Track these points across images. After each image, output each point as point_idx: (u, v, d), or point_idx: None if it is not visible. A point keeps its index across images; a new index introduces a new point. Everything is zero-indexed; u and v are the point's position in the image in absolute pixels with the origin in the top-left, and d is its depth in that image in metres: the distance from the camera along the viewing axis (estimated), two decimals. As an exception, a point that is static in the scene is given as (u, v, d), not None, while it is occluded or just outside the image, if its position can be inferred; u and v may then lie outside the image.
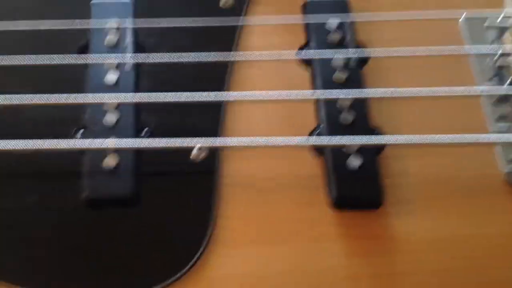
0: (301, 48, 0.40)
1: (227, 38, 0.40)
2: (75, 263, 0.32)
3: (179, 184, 0.34)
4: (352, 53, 0.38)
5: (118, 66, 0.37)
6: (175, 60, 0.37)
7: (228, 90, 0.38)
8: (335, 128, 0.36)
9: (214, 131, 0.36)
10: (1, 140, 0.33)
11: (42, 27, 0.38)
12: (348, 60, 0.38)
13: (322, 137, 0.35)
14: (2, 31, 0.38)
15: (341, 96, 0.36)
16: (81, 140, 0.34)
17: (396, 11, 0.41)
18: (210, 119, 0.37)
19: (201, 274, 0.32)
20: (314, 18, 0.40)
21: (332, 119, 0.36)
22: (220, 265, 0.32)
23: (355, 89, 0.37)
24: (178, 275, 0.32)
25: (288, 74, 0.39)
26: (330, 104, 0.37)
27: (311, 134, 0.37)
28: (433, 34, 0.41)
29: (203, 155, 0.34)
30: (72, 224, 0.33)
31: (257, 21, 0.41)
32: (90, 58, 0.37)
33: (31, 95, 0.34)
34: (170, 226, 0.33)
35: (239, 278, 0.32)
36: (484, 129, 0.37)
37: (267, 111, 0.37)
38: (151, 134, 0.36)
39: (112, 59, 0.37)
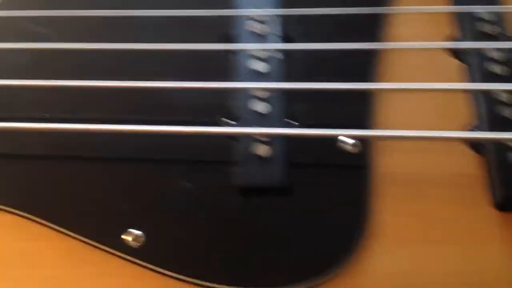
0: (451, 39, 0.38)
1: (372, 28, 0.39)
2: (224, 250, 0.32)
3: (330, 175, 0.34)
4: (506, 44, 0.37)
5: (266, 55, 0.37)
6: (323, 48, 0.36)
7: (376, 80, 0.37)
8: (495, 122, 0.34)
9: (364, 122, 0.35)
10: (154, 126, 0.33)
11: (189, 14, 0.38)
12: (504, 51, 0.36)
13: (483, 132, 0.33)
14: (154, 18, 0.39)
15: (501, 88, 0.34)
16: (237, 127, 0.34)
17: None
18: (359, 109, 0.35)
19: (356, 271, 0.31)
20: (464, 8, 0.39)
21: (491, 113, 0.34)
22: (376, 263, 0.31)
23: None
24: (333, 271, 0.31)
25: (437, 65, 0.37)
26: (489, 97, 0.35)
27: (467, 128, 0.35)
28: None
29: (356, 149, 0.34)
30: (224, 211, 0.33)
31: (403, 10, 0.39)
32: (240, 46, 0.37)
33: (183, 82, 0.34)
34: (322, 219, 0.32)
35: (395, 277, 0.31)
36: None
37: (418, 103, 0.36)
38: (301, 124, 0.35)
39: (261, 47, 0.37)
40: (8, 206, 0.33)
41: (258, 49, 0.37)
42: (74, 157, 0.34)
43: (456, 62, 0.37)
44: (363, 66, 0.37)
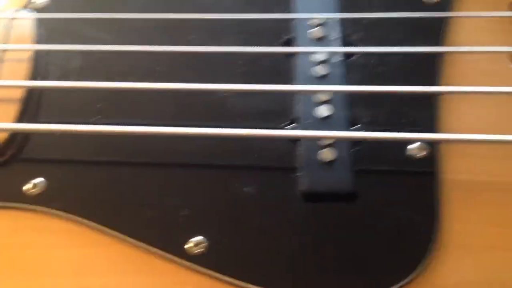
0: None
1: (434, 34, 0.38)
2: (288, 257, 0.31)
3: (397, 181, 0.33)
4: None
5: (326, 59, 0.36)
6: (384, 51, 0.35)
7: (439, 84, 0.36)
8: None
9: (429, 126, 0.34)
10: (214, 128, 0.33)
11: (248, 18, 0.38)
12: None
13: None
14: (212, 21, 0.38)
15: None
16: (300, 131, 0.34)
17: None
18: (425, 114, 0.34)
19: (429, 280, 0.30)
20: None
21: None
22: (450, 271, 0.30)
23: None
24: (401, 281, 0.29)
25: (501, 70, 0.37)
26: None
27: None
28: None
29: (423, 153, 0.33)
30: (288, 217, 0.32)
31: (465, 16, 0.39)
32: (300, 50, 0.37)
33: (244, 85, 0.34)
34: (390, 225, 0.31)
35: (471, 285, 0.30)
36: None
37: (483, 107, 0.35)
38: (365, 129, 0.34)
39: (321, 51, 0.36)
40: (67, 211, 0.32)
41: (319, 53, 0.36)
42: (134, 162, 0.34)
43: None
44: (426, 69, 0.36)
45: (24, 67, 0.35)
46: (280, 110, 0.35)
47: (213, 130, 0.32)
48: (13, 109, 0.33)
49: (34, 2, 0.39)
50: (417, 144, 0.33)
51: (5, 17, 0.36)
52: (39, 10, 0.38)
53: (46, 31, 0.37)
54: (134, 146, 0.34)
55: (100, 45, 0.35)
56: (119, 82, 0.34)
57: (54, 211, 0.32)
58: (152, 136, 0.33)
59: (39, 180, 0.32)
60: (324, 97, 0.35)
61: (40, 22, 0.37)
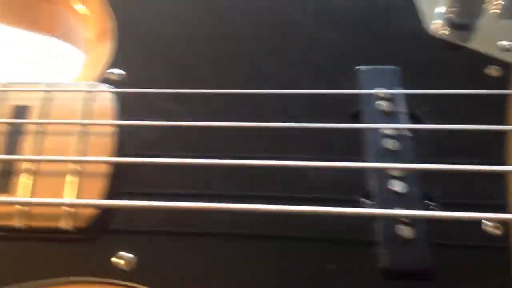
0: None
1: (498, 107, 0.39)
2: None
3: (474, 257, 0.34)
4: None
5: (396, 133, 0.38)
6: (454, 128, 0.37)
7: (507, 160, 0.37)
8: None
9: (501, 202, 0.35)
10: (294, 206, 0.33)
11: (317, 93, 0.39)
12: None
13: None
14: (282, 96, 0.39)
15: None
16: (375, 209, 0.34)
17: None
18: (497, 188, 0.36)
19: None
20: None
21: None
22: None
23: None
24: None
25: None
26: None
27: None
28: None
29: (498, 231, 0.34)
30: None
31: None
32: (368, 125, 0.38)
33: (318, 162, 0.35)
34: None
35: None
36: None
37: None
38: (439, 204, 0.35)
39: (388, 126, 0.37)
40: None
41: (388, 128, 0.38)
42: (214, 234, 0.35)
43: None
44: (494, 146, 0.37)
45: (109, 141, 0.36)
46: (352, 182, 0.36)
47: (289, 207, 0.33)
48: (101, 184, 0.34)
49: (110, 74, 0.40)
50: (494, 225, 0.34)
51: (84, 90, 0.38)
52: (116, 82, 0.39)
53: (124, 103, 0.38)
54: (210, 219, 0.35)
55: (179, 122, 0.36)
56: (200, 155, 0.35)
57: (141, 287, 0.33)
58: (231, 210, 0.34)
59: (127, 254, 0.33)
60: (397, 172, 0.36)
61: (118, 95, 0.38)
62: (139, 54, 0.42)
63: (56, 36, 0.48)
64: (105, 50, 0.42)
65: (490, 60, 0.42)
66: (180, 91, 0.38)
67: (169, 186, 0.36)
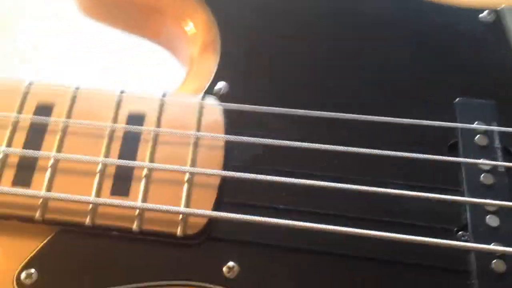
0: None
1: None
2: None
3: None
4: None
5: (492, 168, 0.39)
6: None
7: None
8: None
9: None
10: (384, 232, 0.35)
11: (414, 123, 0.40)
12: None
13: None
14: (379, 124, 0.41)
15: None
16: (469, 244, 0.36)
17: None
18: None
19: None
20: None
21: None
22: None
23: None
24: None
25: None
26: None
27: None
28: None
29: None
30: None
31: None
32: (466, 160, 0.39)
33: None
34: None
35: None
36: None
37: None
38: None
39: (486, 162, 0.39)
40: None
41: (485, 163, 0.39)
42: (317, 251, 0.36)
43: None
44: None
45: (218, 155, 0.38)
46: (448, 213, 0.37)
47: (389, 234, 0.35)
48: (211, 195, 0.36)
49: (213, 89, 0.41)
50: None
51: (196, 103, 0.40)
52: (221, 97, 0.41)
53: (231, 118, 0.40)
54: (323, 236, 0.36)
55: (285, 141, 0.38)
56: (301, 175, 0.37)
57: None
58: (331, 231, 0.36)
59: (232, 264, 0.35)
60: (492, 208, 0.37)
61: (226, 110, 0.40)
62: (242, 66, 0.44)
63: (159, 43, 0.50)
64: (209, 62, 0.44)
65: None
66: (283, 111, 0.40)
67: (271, 200, 0.37)
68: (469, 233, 0.37)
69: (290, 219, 0.36)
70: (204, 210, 0.35)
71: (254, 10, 0.48)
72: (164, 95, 0.41)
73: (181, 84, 0.44)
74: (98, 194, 0.36)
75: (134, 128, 0.38)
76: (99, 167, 0.37)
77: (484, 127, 0.40)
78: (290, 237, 0.37)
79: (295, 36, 0.46)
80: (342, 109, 0.41)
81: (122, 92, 0.41)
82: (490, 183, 0.38)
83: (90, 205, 0.36)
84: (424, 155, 0.38)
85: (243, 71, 0.44)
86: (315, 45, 0.46)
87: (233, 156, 0.39)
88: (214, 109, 0.40)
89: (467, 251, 0.36)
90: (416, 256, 0.36)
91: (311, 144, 0.39)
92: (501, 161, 0.39)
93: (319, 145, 0.39)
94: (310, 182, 0.37)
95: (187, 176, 0.37)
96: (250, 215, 0.36)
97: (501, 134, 0.41)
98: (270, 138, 0.39)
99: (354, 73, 0.45)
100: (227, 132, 0.40)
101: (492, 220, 0.37)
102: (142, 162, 0.37)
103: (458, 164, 0.40)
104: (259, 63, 0.45)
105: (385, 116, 0.41)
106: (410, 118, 0.41)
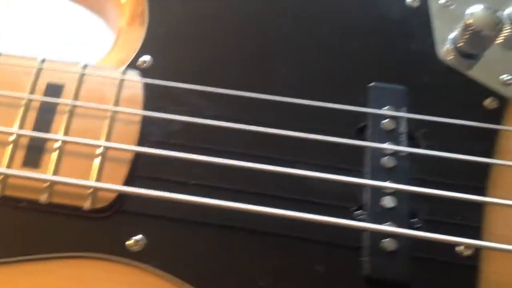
0: None
1: (488, 138, 0.42)
2: None
3: (446, 274, 0.38)
4: None
5: (394, 152, 0.41)
6: (443, 156, 0.40)
7: (488, 189, 0.41)
8: None
9: (477, 229, 0.39)
10: (290, 211, 0.37)
11: (328, 106, 0.42)
12: None
13: None
14: (291, 109, 0.42)
15: None
16: (363, 223, 0.38)
17: None
18: (474, 214, 0.40)
19: None
20: None
21: None
22: None
23: None
24: None
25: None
26: None
27: None
28: None
29: (468, 252, 0.39)
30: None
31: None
32: (369, 144, 0.41)
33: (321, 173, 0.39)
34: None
35: None
36: None
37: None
38: (423, 221, 0.39)
39: (385, 146, 0.41)
40: (164, 270, 0.36)
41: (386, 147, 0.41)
42: (218, 225, 0.38)
43: None
44: (478, 175, 0.41)
45: (134, 129, 0.39)
46: (348, 193, 0.40)
47: (289, 212, 0.37)
48: (123, 170, 0.38)
49: (137, 62, 0.42)
50: (464, 247, 0.38)
51: (115, 77, 0.40)
52: (144, 70, 0.42)
53: (151, 92, 0.41)
54: (216, 213, 0.38)
55: (204, 119, 0.40)
56: (216, 152, 0.39)
57: (152, 268, 0.36)
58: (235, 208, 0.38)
59: (140, 237, 0.37)
60: (389, 190, 0.40)
61: (147, 85, 0.41)
62: (168, 41, 0.45)
63: (94, 11, 0.50)
64: (135, 34, 0.45)
65: (490, 92, 0.45)
66: (205, 89, 0.41)
67: (183, 175, 0.39)
68: (366, 213, 0.40)
69: (201, 195, 0.38)
70: (113, 185, 0.37)
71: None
72: (85, 67, 0.41)
73: (106, 54, 0.45)
74: (9, 165, 0.37)
75: (50, 99, 0.39)
76: (13, 137, 0.38)
77: (390, 113, 0.42)
78: (198, 212, 0.38)
79: (222, 15, 0.47)
80: (262, 90, 0.43)
81: (43, 61, 0.41)
82: (391, 166, 0.41)
83: (1, 176, 0.37)
84: (329, 137, 0.40)
85: (169, 46, 0.45)
86: (240, 26, 0.47)
87: (150, 131, 0.40)
88: (135, 83, 0.41)
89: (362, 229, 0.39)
90: (315, 232, 0.39)
91: (222, 122, 0.40)
92: (404, 146, 0.42)
93: (230, 123, 0.40)
94: (216, 160, 0.38)
95: (100, 149, 0.38)
96: (162, 189, 0.38)
97: (409, 119, 0.43)
98: (189, 115, 0.41)
99: (277, 55, 0.46)
100: (146, 107, 0.41)
101: (388, 201, 0.40)
102: (55, 134, 0.38)
103: (364, 147, 0.42)
104: (185, 39, 0.45)
105: (301, 97, 0.43)
106: (327, 100, 0.43)
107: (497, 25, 0.44)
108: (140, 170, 0.39)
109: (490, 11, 0.44)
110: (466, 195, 0.38)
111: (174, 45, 0.45)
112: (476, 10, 0.45)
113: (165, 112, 0.41)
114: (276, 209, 0.37)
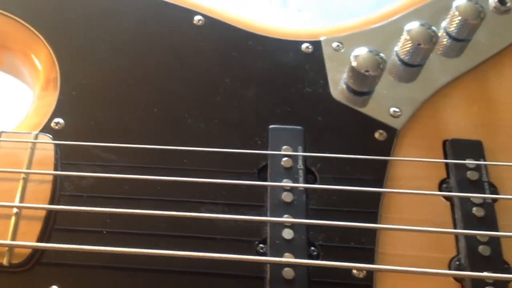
0: (442, 181, 0.47)
1: (379, 168, 0.47)
2: None
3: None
4: (487, 192, 0.45)
5: (293, 188, 0.45)
6: (336, 188, 0.44)
7: (380, 215, 0.45)
8: (473, 259, 0.43)
9: (371, 251, 0.43)
10: (200, 253, 0.40)
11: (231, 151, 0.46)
12: (484, 198, 0.45)
13: (463, 272, 0.42)
14: (196, 155, 0.46)
15: (477, 233, 0.43)
16: (262, 257, 0.42)
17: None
18: (367, 239, 0.44)
19: None
20: (453, 157, 0.47)
21: (470, 250, 0.43)
22: None
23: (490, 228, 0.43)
24: None
25: (431, 202, 0.46)
26: (469, 237, 0.43)
27: (451, 260, 0.43)
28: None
29: (363, 274, 0.42)
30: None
31: (402, 156, 0.48)
32: (269, 183, 0.45)
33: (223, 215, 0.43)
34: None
35: None
36: None
37: (414, 236, 0.44)
38: (320, 249, 0.43)
39: (286, 183, 0.45)
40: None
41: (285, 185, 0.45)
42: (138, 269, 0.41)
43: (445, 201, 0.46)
44: (371, 202, 0.45)
45: (46, 188, 0.43)
46: (252, 228, 0.44)
47: (199, 253, 0.40)
48: (37, 226, 0.41)
49: (50, 124, 0.46)
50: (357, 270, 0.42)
51: (29, 141, 0.44)
52: (57, 132, 0.46)
53: (64, 151, 0.45)
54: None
55: (112, 174, 0.43)
56: (126, 200, 0.43)
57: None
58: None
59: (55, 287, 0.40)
60: (288, 222, 0.44)
61: (58, 146, 0.45)
62: (78, 103, 0.49)
63: (11, 74, 0.54)
64: (50, 99, 0.49)
65: (380, 125, 0.49)
66: (113, 145, 0.45)
67: (98, 225, 0.43)
68: (267, 245, 0.43)
69: (116, 243, 0.41)
70: (27, 242, 0.40)
71: (93, 47, 0.52)
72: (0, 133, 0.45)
73: (23, 119, 0.49)
74: None
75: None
76: None
77: (286, 153, 0.47)
78: (111, 259, 0.42)
79: (127, 77, 0.51)
80: (171, 140, 0.47)
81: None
82: (289, 201, 0.45)
83: None
84: (230, 180, 0.44)
85: (79, 108, 0.49)
86: (145, 84, 0.50)
87: (62, 188, 0.44)
88: (46, 145, 0.45)
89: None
90: (223, 266, 0.42)
91: (135, 176, 0.44)
92: (301, 181, 0.46)
93: (143, 176, 0.44)
94: (124, 210, 0.41)
95: (14, 209, 0.42)
96: (79, 240, 0.41)
97: (305, 156, 0.47)
98: (100, 169, 0.45)
99: (181, 108, 0.49)
100: (57, 166, 0.45)
101: (287, 233, 0.43)
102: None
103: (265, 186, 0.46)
104: (94, 101, 0.49)
105: (208, 144, 0.47)
106: (231, 145, 0.47)
107: (379, 65, 0.49)
108: (57, 223, 0.42)
109: (372, 53, 0.50)
110: (355, 223, 0.42)
111: (84, 107, 0.49)
112: (360, 52, 0.50)
113: (78, 168, 0.45)
114: (184, 251, 0.40)
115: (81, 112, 0.48)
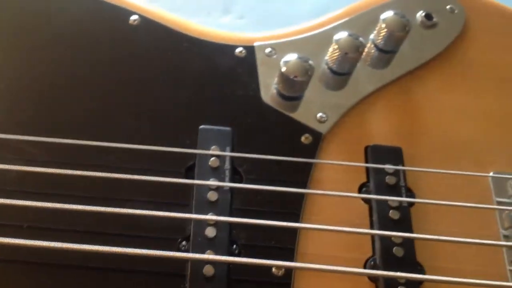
0: (362, 185, 0.49)
1: (304, 170, 0.48)
2: None
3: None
4: (403, 196, 0.48)
5: (218, 187, 0.46)
6: (259, 188, 0.46)
7: (302, 216, 0.47)
8: (387, 259, 0.45)
9: (291, 250, 0.45)
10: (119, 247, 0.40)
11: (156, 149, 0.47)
12: (400, 202, 0.47)
13: (376, 271, 0.44)
14: (125, 152, 0.47)
15: (392, 234, 0.45)
16: (185, 253, 0.43)
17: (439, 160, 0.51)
18: (287, 239, 0.45)
19: None
20: (373, 162, 0.49)
21: (385, 251, 0.45)
22: None
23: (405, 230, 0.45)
24: None
25: (351, 204, 0.48)
26: (384, 238, 0.46)
27: (367, 261, 0.46)
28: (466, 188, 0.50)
29: (282, 272, 0.44)
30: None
31: (326, 159, 0.50)
32: (195, 181, 0.46)
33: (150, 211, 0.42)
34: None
35: None
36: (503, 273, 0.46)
37: (333, 237, 0.46)
38: (241, 247, 0.44)
39: (212, 182, 0.46)
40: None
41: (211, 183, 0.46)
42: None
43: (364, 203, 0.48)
44: (294, 203, 0.47)
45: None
46: (176, 226, 0.44)
47: (120, 249, 0.40)
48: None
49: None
50: (278, 267, 0.44)
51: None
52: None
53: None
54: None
55: (34, 168, 0.43)
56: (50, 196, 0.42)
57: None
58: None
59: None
60: (212, 220, 0.45)
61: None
62: (5, 97, 0.48)
63: None
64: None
65: (306, 129, 0.51)
66: (36, 139, 0.45)
67: (19, 219, 0.43)
68: (190, 243, 0.44)
69: (36, 237, 0.40)
70: None
71: (25, 43, 0.52)
72: None
73: None
74: None
75: None
76: None
77: (214, 152, 0.48)
78: (34, 254, 0.42)
79: (54, 71, 0.51)
80: (99, 138, 0.47)
81: None
82: (213, 200, 0.46)
83: None
84: (156, 178, 0.44)
85: (6, 101, 0.48)
86: (75, 79, 0.51)
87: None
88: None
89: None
90: (143, 263, 0.42)
91: (57, 170, 0.43)
92: (227, 181, 0.47)
93: (67, 171, 0.44)
94: (42, 204, 0.41)
95: None
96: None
97: (232, 157, 0.48)
98: (24, 162, 0.44)
99: (115, 105, 0.50)
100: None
101: (210, 231, 0.44)
102: None
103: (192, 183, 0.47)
104: (20, 95, 0.49)
105: (138, 141, 0.47)
106: (161, 143, 0.47)
107: (307, 71, 0.51)
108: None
109: (301, 60, 0.51)
110: (275, 222, 0.43)
111: (11, 100, 0.49)
112: (290, 58, 0.51)
113: (2, 161, 0.44)
114: (103, 246, 0.40)
115: (8, 106, 0.48)
